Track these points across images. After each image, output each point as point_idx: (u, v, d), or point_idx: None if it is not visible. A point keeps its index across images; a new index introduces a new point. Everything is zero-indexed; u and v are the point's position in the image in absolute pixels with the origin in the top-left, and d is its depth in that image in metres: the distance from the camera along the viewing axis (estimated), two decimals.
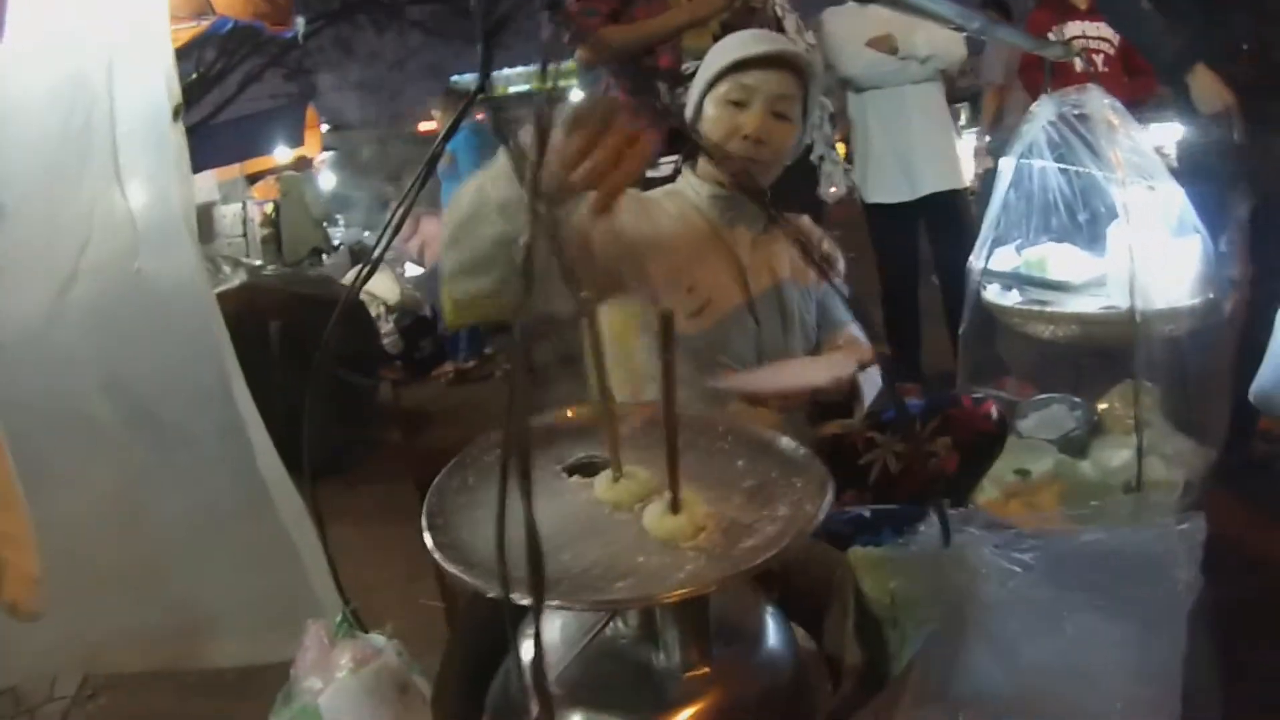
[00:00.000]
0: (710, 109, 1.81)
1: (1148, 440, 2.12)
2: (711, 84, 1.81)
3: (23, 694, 2.02)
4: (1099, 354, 2.53)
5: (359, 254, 7.76)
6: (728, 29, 2.94)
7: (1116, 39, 4.23)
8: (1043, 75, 2.69)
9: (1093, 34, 4.27)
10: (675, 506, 0.98)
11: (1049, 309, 2.16)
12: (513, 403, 0.75)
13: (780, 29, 3.32)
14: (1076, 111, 2.11)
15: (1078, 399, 2.33)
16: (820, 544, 1.32)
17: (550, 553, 0.96)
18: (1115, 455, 2.11)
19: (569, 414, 1.25)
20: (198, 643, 2.03)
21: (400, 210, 1.09)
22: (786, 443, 1.14)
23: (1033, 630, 1.23)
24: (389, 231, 1.12)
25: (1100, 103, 2.08)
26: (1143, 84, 4.31)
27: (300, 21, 3.99)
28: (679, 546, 0.96)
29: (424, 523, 1.01)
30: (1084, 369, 2.55)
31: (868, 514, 1.58)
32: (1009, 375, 2.63)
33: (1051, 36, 4.29)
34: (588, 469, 1.12)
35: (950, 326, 2.89)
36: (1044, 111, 2.17)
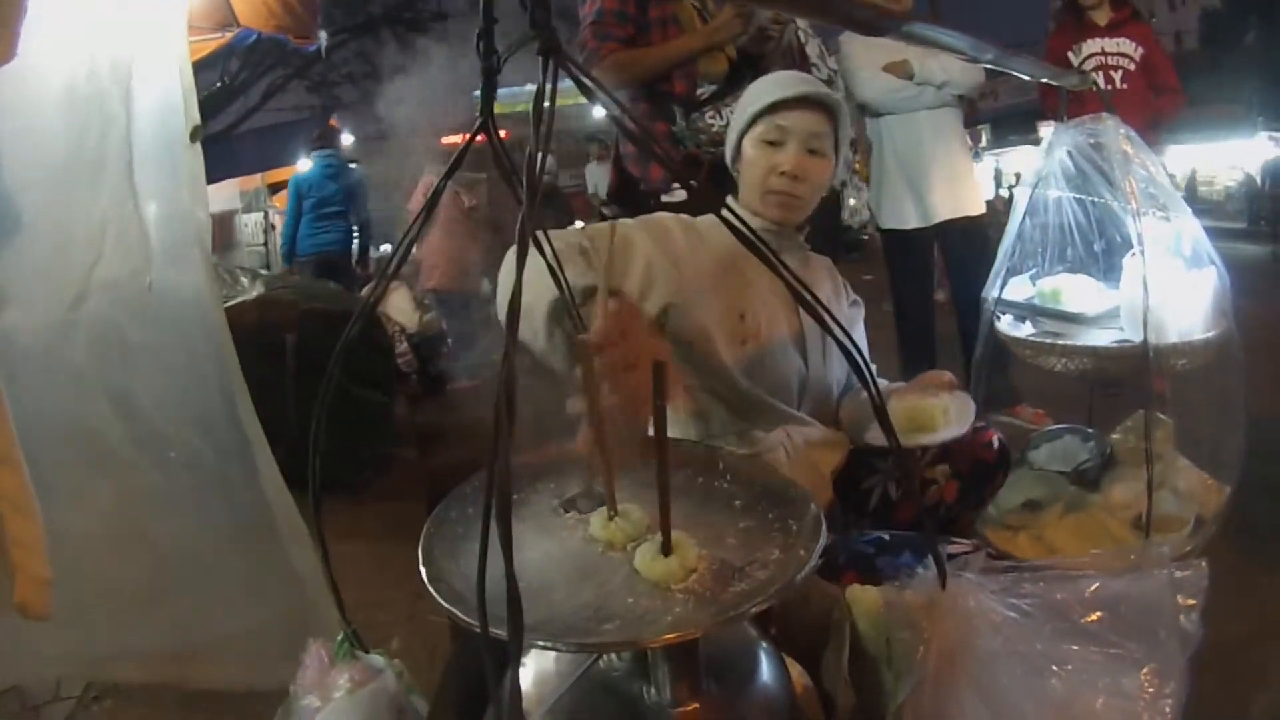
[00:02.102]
0: (749, 150, 1.89)
1: (1160, 474, 2.09)
2: (748, 126, 1.89)
3: (28, 692, 2.02)
4: (1114, 384, 2.51)
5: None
6: (743, 54, 2.95)
7: (1139, 55, 4.22)
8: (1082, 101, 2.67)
9: (1112, 50, 4.25)
10: (666, 548, 0.98)
11: (1061, 342, 2.13)
12: (494, 452, 0.75)
13: (802, 55, 3.32)
14: (1091, 140, 2.09)
15: (1091, 430, 2.30)
16: (820, 580, 1.32)
17: (541, 591, 0.98)
18: (1127, 489, 2.08)
19: (573, 446, 1.25)
20: (199, 665, 2.02)
21: (408, 238, 1.10)
22: (784, 483, 1.13)
23: (1027, 682, 1.22)
24: (399, 255, 1.12)
25: (1115, 131, 2.05)
26: (1168, 101, 4.29)
27: (323, 35, 4.03)
28: (669, 589, 0.96)
29: (420, 555, 1.01)
30: (1099, 399, 2.53)
31: (888, 537, 1.59)
32: (1023, 403, 2.62)
33: (1071, 55, 4.29)
34: (586, 504, 1.12)
35: (965, 354, 2.87)
36: (1059, 141, 2.14)
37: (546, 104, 0.89)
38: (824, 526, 1.02)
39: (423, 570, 0.99)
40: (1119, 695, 1.28)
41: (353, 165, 8.00)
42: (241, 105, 10.25)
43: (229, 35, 3.52)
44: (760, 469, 1.19)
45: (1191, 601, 1.41)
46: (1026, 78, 2.10)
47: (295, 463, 2.00)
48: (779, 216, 1.84)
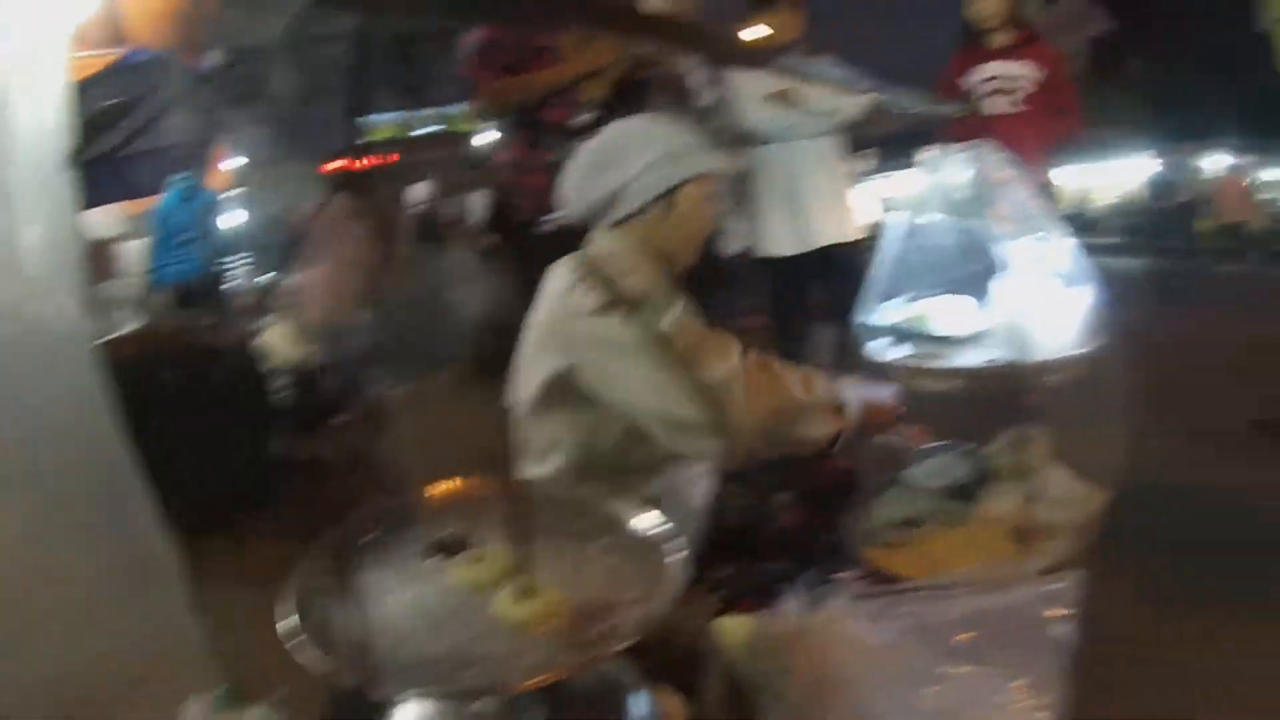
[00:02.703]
0: (688, 204, 1.91)
1: (1039, 485, 2.15)
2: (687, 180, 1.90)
3: None
4: (993, 404, 2.59)
5: (243, 291, 7.56)
6: (624, 82, 2.97)
7: (1037, 78, 4.31)
8: (963, 126, 2.70)
9: (1008, 73, 4.33)
10: (528, 592, 0.98)
11: (933, 364, 2.17)
12: (353, 507, 0.75)
13: (684, 83, 3.37)
14: (968, 166, 2.14)
15: (968, 446, 2.35)
16: (687, 613, 1.33)
17: (408, 638, 0.98)
18: (1005, 502, 2.12)
19: (439, 489, 1.24)
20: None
21: (285, 271, 1.08)
22: (644, 522, 1.13)
23: (903, 703, 1.24)
24: (277, 289, 1.11)
25: (990, 158, 2.11)
26: (1067, 122, 4.41)
27: (213, 55, 3.95)
28: (534, 631, 0.97)
29: (292, 604, 0.99)
30: (977, 415, 2.60)
31: (785, 566, 1.63)
32: (901, 421, 2.68)
33: (965, 79, 4.38)
34: (452, 548, 1.12)
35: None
36: (935, 167, 2.19)
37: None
38: (684, 562, 1.03)
39: (290, 621, 0.97)
40: (996, 710, 1.31)
41: (231, 192, 7.78)
42: (130, 125, 9.94)
43: (120, 52, 3.44)
44: (620, 507, 1.20)
45: (1063, 612, 1.46)
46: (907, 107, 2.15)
47: (176, 503, 1.95)
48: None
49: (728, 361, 1.69)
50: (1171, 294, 11.60)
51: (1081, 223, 24.06)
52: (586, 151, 1.93)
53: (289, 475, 4.17)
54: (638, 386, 1.64)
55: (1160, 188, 14.91)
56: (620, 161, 1.85)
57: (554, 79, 2.84)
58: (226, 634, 1.26)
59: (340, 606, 1.01)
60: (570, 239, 2.88)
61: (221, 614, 1.25)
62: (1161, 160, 15.43)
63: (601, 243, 1.87)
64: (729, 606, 1.53)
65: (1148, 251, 15.70)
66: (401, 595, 1.04)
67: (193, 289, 6.79)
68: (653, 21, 1.80)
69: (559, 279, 1.82)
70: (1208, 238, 14.77)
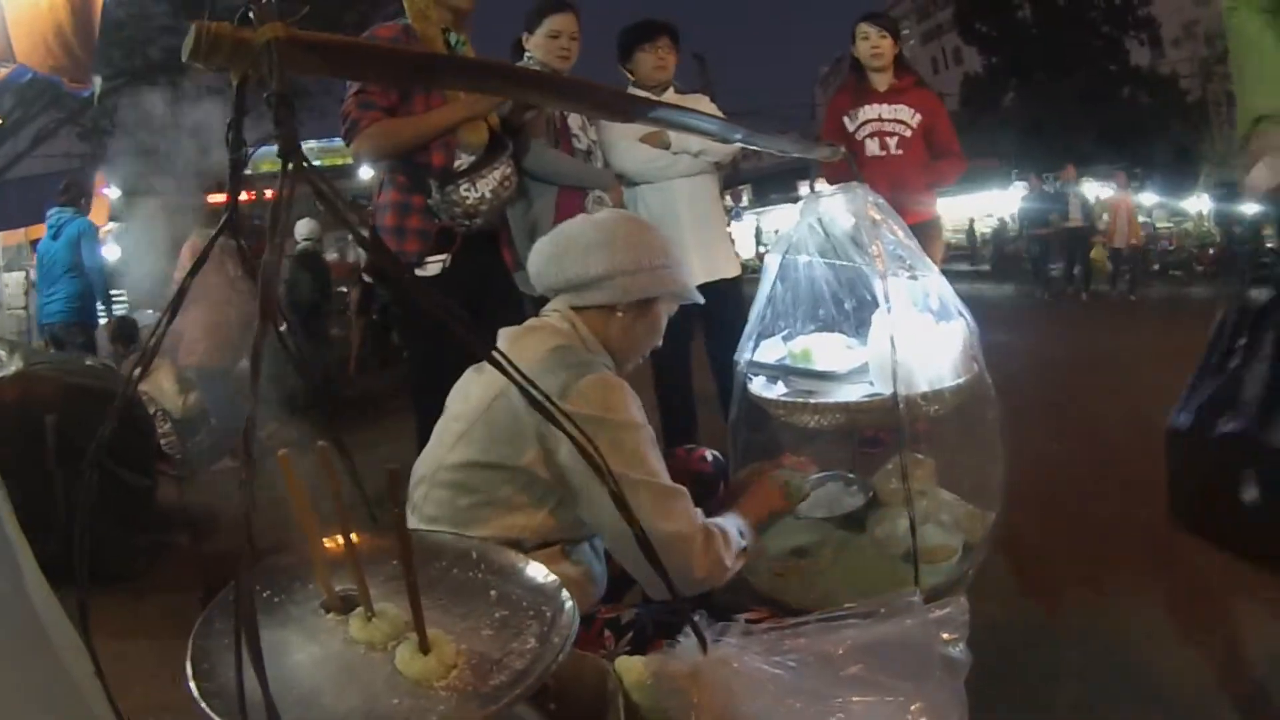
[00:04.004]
0: (662, 313, 1.97)
1: (926, 509, 2.21)
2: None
3: None
4: (874, 441, 2.66)
5: (121, 329, 7.24)
6: (505, 124, 2.98)
7: (916, 121, 4.46)
8: (838, 167, 2.75)
9: (889, 117, 4.47)
10: (424, 647, 0.98)
11: (813, 400, 2.21)
12: (241, 576, 0.74)
13: (563, 126, 3.38)
14: (844, 205, 2.20)
15: (852, 475, 2.41)
16: (590, 656, 1.35)
17: (309, 697, 0.97)
18: (892, 527, 2.18)
19: (330, 543, 1.23)
20: None
21: (168, 314, 1.06)
22: (536, 569, 1.14)
23: None
24: (160, 331, 1.08)
25: (864, 199, 2.18)
26: (949, 165, 4.56)
27: (98, 80, 3.84)
28: (432, 686, 0.97)
29: (188, 669, 0.97)
30: (859, 446, 2.68)
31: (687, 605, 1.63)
32: (785, 453, 2.74)
33: (847, 120, 4.52)
34: (345, 605, 1.10)
35: (725, 414, 2.91)
36: (809, 208, 2.25)
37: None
38: (576, 611, 1.05)
39: (192, 685, 0.95)
40: None
41: (112, 224, 7.47)
42: (10, 150, 9.52)
43: (3, 71, 3.32)
44: (510, 557, 1.20)
45: (954, 635, 1.51)
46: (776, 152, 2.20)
47: (61, 555, 1.86)
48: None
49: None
50: (1054, 317, 12.18)
51: (962, 254, 25.02)
52: (584, 227, 1.92)
53: (177, 524, 4.04)
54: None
55: (1036, 215, 15.04)
56: (620, 251, 1.85)
57: (437, 121, 2.84)
58: (123, 694, 1.22)
59: (241, 666, 0.99)
60: (456, 282, 2.88)
61: (118, 671, 1.20)
62: (1038, 189, 15.72)
63: (568, 321, 1.86)
64: (639, 648, 1.56)
65: (1028, 278, 16.41)
66: (303, 653, 1.03)
67: (58, 328, 6.52)
68: (529, 75, 1.81)
69: (537, 347, 1.79)
70: (1099, 262, 15.14)
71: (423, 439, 2.76)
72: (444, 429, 1.82)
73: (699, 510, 1.74)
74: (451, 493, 1.71)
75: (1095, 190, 16.04)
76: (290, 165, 0.88)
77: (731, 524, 1.84)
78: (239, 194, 1.01)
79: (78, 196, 6.84)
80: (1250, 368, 1.76)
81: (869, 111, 4.47)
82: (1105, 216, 14.95)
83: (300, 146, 0.89)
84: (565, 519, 1.70)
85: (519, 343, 1.80)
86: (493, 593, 1.13)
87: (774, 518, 2.06)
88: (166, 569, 3.61)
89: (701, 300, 2.03)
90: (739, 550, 1.80)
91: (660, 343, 1.99)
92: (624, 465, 1.61)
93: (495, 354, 0.98)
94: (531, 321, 1.90)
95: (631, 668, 1.31)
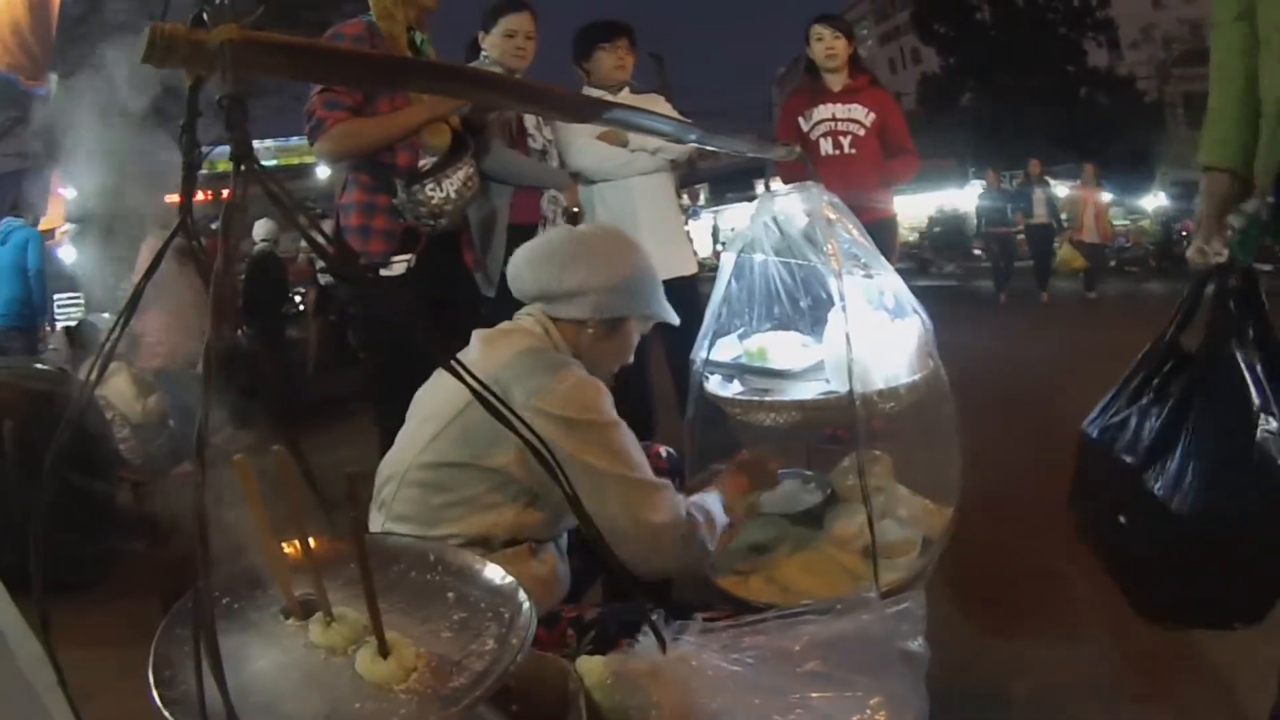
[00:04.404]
0: (634, 333, 2.01)
1: (884, 505, 2.23)
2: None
3: None
4: (832, 439, 2.68)
5: (78, 334, 7.13)
6: (466, 125, 2.98)
7: (871, 120, 4.51)
8: (793, 166, 2.77)
9: (844, 116, 4.52)
10: (383, 651, 0.98)
11: (769, 398, 2.22)
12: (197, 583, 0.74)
13: (520, 126, 3.39)
14: (795, 206, 2.21)
15: (810, 473, 2.42)
16: (551, 657, 1.35)
17: (272, 703, 0.97)
18: (851, 523, 2.19)
19: (288, 546, 1.23)
20: None
21: (124, 316, 1.05)
22: (494, 571, 1.15)
23: None
24: (116, 334, 1.07)
25: (819, 197, 2.19)
26: (902, 163, 4.61)
27: (54, 79, 3.79)
28: (393, 690, 0.97)
29: (150, 677, 0.96)
30: (817, 443, 2.70)
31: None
32: (743, 451, 2.75)
33: (802, 120, 4.55)
34: (304, 610, 1.10)
35: (682, 412, 2.92)
36: (764, 207, 2.25)
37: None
38: (534, 612, 1.05)
39: (154, 694, 0.94)
40: None
41: (65, 226, 7.35)
42: None
43: None
44: (468, 559, 1.21)
45: (913, 630, 1.53)
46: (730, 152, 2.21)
47: (19, 563, 1.83)
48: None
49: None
50: (1010, 315, 12.29)
51: (917, 253, 25.24)
52: (565, 239, 1.97)
53: (137, 530, 3.98)
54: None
55: (994, 213, 14.69)
56: (596, 268, 1.87)
57: (402, 122, 2.84)
58: (86, 704, 1.20)
59: (203, 673, 0.98)
60: (421, 283, 2.87)
61: (79, 681, 1.19)
62: (996, 186, 15.52)
63: (541, 326, 1.88)
64: (602, 647, 1.57)
65: (985, 275, 16.50)
66: (263, 659, 1.03)
67: (10, 333, 6.43)
68: (487, 78, 1.81)
69: (512, 349, 1.81)
70: (1069, 259, 15.07)
71: (384, 439, 2.76)
72: (417, 427, 1.82)
73: (681, 497, 1.80)
74: (423, 491, 1.72)
75: (1058, 187, 15.78)
76: (243, 168, 0.88)
77: (713, 502, 1.91)
78: (192, 195, 1.00)
79: (26, 209, 6.76)
80: (1154, 407, 1.80)
81: (823, 111, 4.52)
82: (1065, 214, 14.58)
83: (253, 149, 0.89)
84: (536, 517, 1.73)
85: (494, 344, 1.82)
86: (451, 595, 1.13)
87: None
88: (127, 576, 3.56)
89: (676, 321, 2.06)
90: (723, 527, 1.88)
91: (631, 360, 2.03)
92: (610, 463, 1.67)
93: (454, 363, 0.97)
94: (505, 324, 1.92)
95: (592, 668, 1.32)
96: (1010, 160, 15.02)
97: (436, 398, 1.82)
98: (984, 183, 15.94)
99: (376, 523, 1.78)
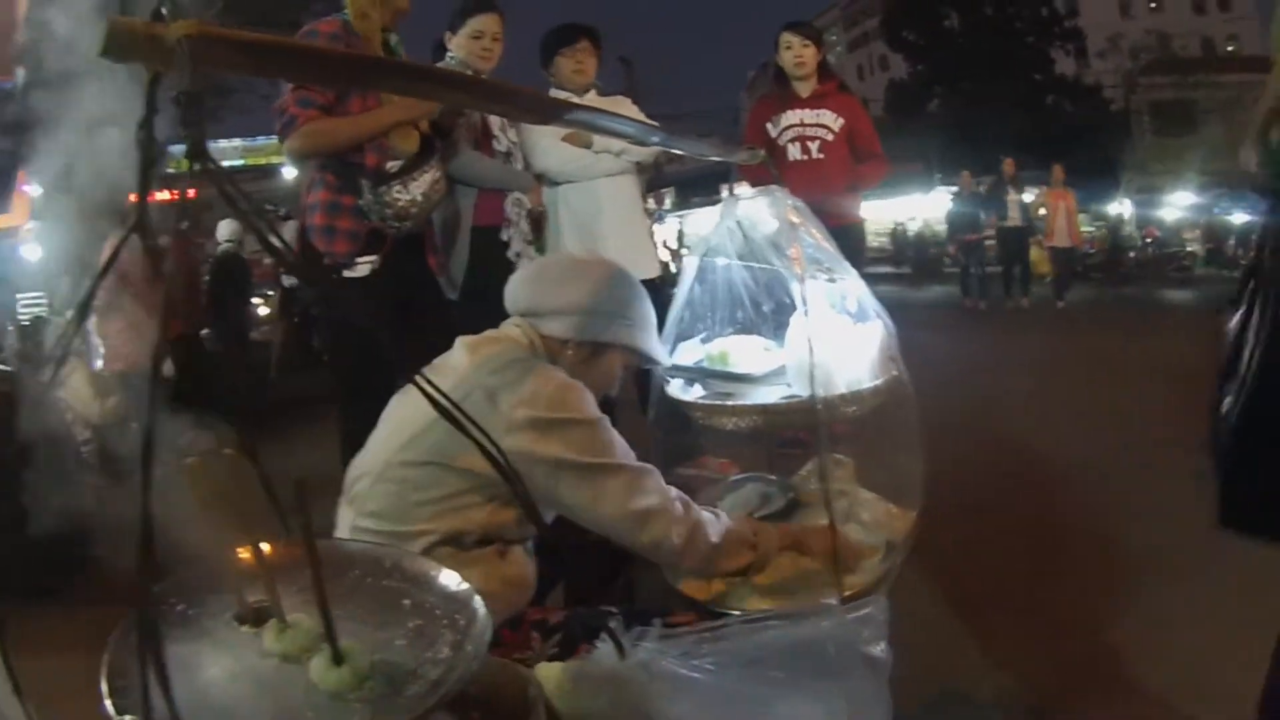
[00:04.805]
0: (616, 363, 2.01)
1: (847, 509, 2.24)
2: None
3: None
4: (795, 442, 2.68)
5: (30, 333, 7.03)
6: (435, 127, 2.97)
7: (839, 125, 4.54)
8: (758, 171, 2.77)
9: (811, 121, 4.56)
10: (337, 658, 0.97)
11: (730, 402, 2.22)
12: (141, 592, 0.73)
13: (485, 128, 3.38)
14: (762, 208, 2.21)
15: (773, 476, 2.42)
16: (511, 664, 1.35)
17: (225, 712, 0.95)
18: (814, 528, 2.20)
19: (243, 553, 1.21)
20: None
21: (78, 315, 1.04)
22: (449, 577, 1.14)
23: None
24: (70, 333, 1.06)
25: (782, 202, 2.19)
26: (871, 168, 4.64)
27: (21, 73, 3.74)
28: (347, 698, 0.96)
29: (104, 686, 0.95)
30: (780, 447, 2.70)
31: (619, 609, 1.67)
32: (706, 455, 2.74)
33: (770, 126, 4.58)
34: (258, 617, 1.09)
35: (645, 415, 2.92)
36: (728, 211, 2.25)
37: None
38: (489, 618, 1.05)
39: (107, 704, 0.92)
40: None
41: (28, 224, 7.22)
42: None
43: None
44: (424, 565, 1.19)
45: (876, 635, 1.53)
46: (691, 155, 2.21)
47: None
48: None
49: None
50: (977, 321, 12.38)
51: (885, 257, 25.38)
52: (564, 260, 2.05)
53: (99, 536, 3.91)
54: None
55: (964, 219, 14.32)
56: (584, 290, 1.90)
57: (373, 123, 2.82)
58: (51, 712, 1.18)
59: (157, 682, 0.97)
60: (385, 285, 2.86)
61: (44, 689, 1.17)
62: (969, 189, 14.79)
63: (527, 336, 1.89)
64: (566, 650, 1.58)
65: (951, 280, 16.60)
66: (216, 667, 1.01)
67: None
68: (451, 78, 1.80)
69: (497, 356, 1.81)
70: (1037, 264, 14.85)
71: (346, 442, 2.73)
72: (395, 426, 1.81)
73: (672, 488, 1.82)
74: (401, 488, 1.71)
75: (1025, 191, 15.39)
76: (198, 167, 0.87)
77: (739, 521, 1.96)
78: (148, 194, 0.99)
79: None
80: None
81: (791, 117, 4.56)
82: (1042, 211, 14.21)
83: (208, 149, 0.88)
84: (509, 517, 1.72)
85: (479, 351, 1.83)
86: (407, 601, 1.12)
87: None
88: (92, 582, 3.51)
89: (668, 362, 2.11)
90: (742, 539, 1.90)
91: (614, 392, 2.06)
92: (596, 456, 1.71)
93: (419, 377, 0.96)
94: (491, 332, 1.92)
95: (551, 674, 1.31)
96: (977, 166, 14.95)
97: (417, 398, 1.81)
98: (956, 187, 15.41)
99: (345, 519, 1.78)
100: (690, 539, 1.76)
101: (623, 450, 1.77)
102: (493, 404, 1.68)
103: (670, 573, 1.93)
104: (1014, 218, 13.40)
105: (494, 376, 1.73)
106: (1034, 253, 14.65)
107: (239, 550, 1.06)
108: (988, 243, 14.47)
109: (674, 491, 1.80)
